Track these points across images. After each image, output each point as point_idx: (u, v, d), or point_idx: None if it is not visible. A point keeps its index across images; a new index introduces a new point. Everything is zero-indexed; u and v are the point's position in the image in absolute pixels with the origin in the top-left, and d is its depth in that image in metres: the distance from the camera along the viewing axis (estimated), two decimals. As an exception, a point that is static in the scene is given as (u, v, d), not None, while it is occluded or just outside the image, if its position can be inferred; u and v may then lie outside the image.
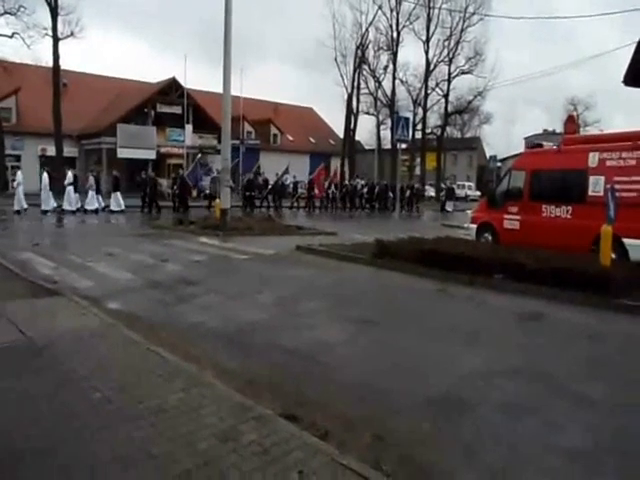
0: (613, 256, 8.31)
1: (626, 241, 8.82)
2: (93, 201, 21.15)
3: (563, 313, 6.97)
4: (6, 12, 28.49)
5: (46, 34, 29.61)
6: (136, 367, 4.15)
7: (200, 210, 21.78)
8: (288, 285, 8.27)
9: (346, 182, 30.69)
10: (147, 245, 12.13)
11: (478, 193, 46.63)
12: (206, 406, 3.45)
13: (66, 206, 20.30)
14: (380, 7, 42.55)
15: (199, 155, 29.26)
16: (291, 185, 29.62)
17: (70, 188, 20.48)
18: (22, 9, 28.76)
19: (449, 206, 31.79)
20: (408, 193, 30.69)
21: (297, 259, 10.84)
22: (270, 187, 27.05)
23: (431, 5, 42.30)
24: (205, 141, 35.85)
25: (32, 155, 31.65)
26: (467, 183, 56.29)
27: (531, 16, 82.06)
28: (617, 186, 8.69)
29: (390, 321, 6.35)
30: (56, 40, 29.75)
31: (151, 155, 32.64)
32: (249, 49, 79.81)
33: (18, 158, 31.20)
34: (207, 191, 26.92)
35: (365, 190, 29.98)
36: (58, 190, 20.66)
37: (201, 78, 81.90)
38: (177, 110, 34.32)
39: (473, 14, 42.00)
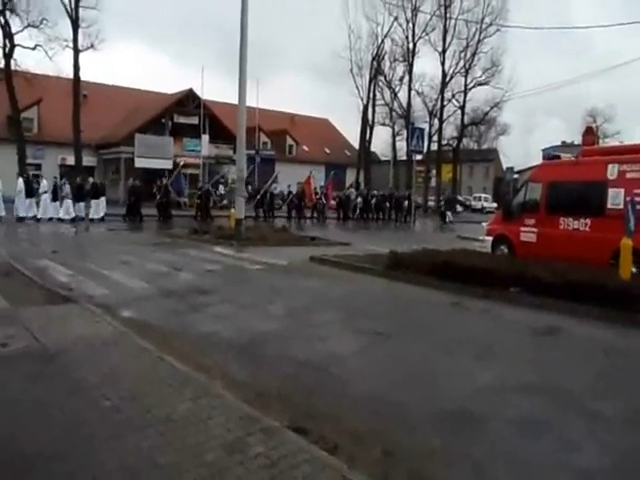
0: (634, 270, 8.14)
1: (646, 255, 8.62)
2: (68, 209, 20.64)
3: (580, 328, 6.83)
4: (30, 25, 29.17)
5: (67, 46, 30.26)
6: (147, 376, 4.16)
7: (186, 220, 21.79)
8: (301, 296, 8.25)
9: (339, 193, 29.60)
10: (161, 254, 12.23)
11: (494, 205, 46.21)
12: (214, 417, 3.43)
13: (41, 214, 20.06)
14: (396, 18, 42.82)
15: (182, 162, 29.74)
16: (283, 194, 29.04)
17: (45, 196, 20.28)
18: (45, 22, 29.42)
19: (449, 216, 31.42)
20: (406, 204, 30.32)
21: (310, 270, 10.82)
22: (258, 197, 26.23)
23: (447, 16, 42.39)
24: (221, 151, 36.19)
25: (52, 164, 32.25)
26: (483, 195, 55.86)
27: (548, 26, 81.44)
28: (637, 199, 8.54)
29: (403, 334, 6.28)
30: (77, 52, 30.43)
31: (168, 165, 33.03)
32: (265, 60, 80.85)
33: (39, 167, 31.80)
34: (225, 201, 27.31)
35: (359, 200, 29.29)
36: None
37: (218, 89, 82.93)
38: (194, 120, 34.74)
39: (490, 25, 41.98)
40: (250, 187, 26.45)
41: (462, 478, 3.14)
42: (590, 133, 13.81)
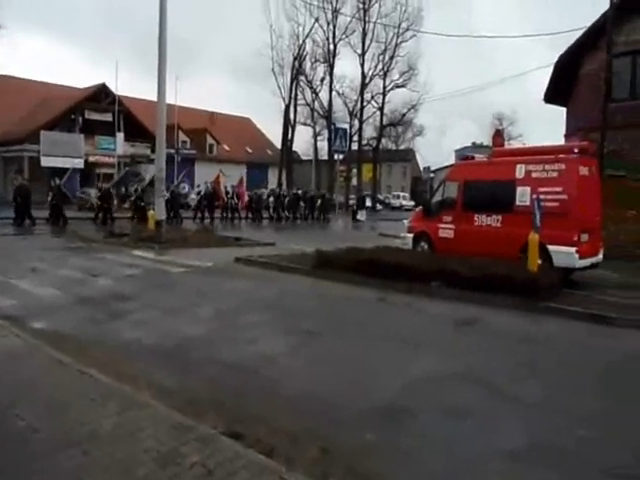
0: (539, 262, 8.79)
1: (550, 248, 9.36)
2: None
3: (496, 317, 7.28)
4: None
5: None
6: (65, 391, 3.87)
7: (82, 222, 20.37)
8: (228, 298, 8.08)
9: (250, 192, 28.15)
10: (75, 259, 11.48)
11: (412, 203, 48.11)
12: (144, 429, 3.26)
13: None
14: (317, 20, 43.32)
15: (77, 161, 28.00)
16: (191, 195, 27.97)
17: None
18: None
19: (361, 215, 32.01)
20: (319, 202, 30.51)
21: (236, 271, 10.65)
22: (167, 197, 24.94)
23: (367, 19, 43.50)
24: (138, 150, 34.67)
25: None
26: (402, 193, 58.04)
27: (460, 34, 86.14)
28: (542, 196, 9.23)
29: (332, 331, 6.35)
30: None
31: (79, 164, 31.10)
32: (186, 57, 78.48)
33: None
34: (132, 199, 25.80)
35: (271, 199, 28.84)
36: None
37: (135, 85, 79.49)
38: (108, 117, 32.95)
39: (407, 30, 43.59)
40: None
41: (395, 470, 3.22)
42: (499, 135, 14.76)
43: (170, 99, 20.31)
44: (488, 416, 4.02)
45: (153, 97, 15.01)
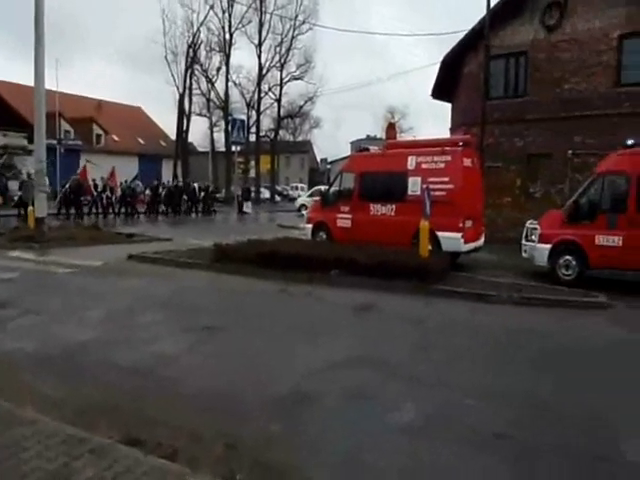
0: (430, 248, 9.36)
1: (439, 234, 10.01)
2: None
3: (391, 301, 7.67)
4: None
5: None
6: None
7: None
8: (121, 298, 7.63)
9: (123, 185, 25.93)
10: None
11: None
12: (29, 448, 2.97)
13: None
14: (212, 7, 41.93)
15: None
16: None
17: None
18: None
19: (247, 207, 31.59)
20: (202, 195, 29.83)
21: (130, 269, 10.09)
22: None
23: (263, 10, 42.96)
24: (11, 140, 31.29)
25: None
26: (300, 184, 58.65)
27: (353, 29, 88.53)
28: (431, 186, 9.81)
29: (233, 325, 6.27)
30: None
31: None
32: (69, 42, 72.09)
33: None
34: (15, 197, 23.24)
35: (147, 192, 27.35)
36: None
37: (8, 69, 71.53)
38: (-28, 103, 29.43)
39: (303, 23, 43.68)
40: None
41: (303, 458, 3.27)
42: (392, 128, 15.47)
43: (50, 85, 18.57)
44: (386, 396, 4.22)
45: (29, 81, 13.62)
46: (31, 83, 13.48)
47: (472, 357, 5.34)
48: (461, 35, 16.53)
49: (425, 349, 5.56)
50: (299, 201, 33.05)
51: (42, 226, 13.28)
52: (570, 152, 14.26)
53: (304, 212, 29.90)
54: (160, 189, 27.75)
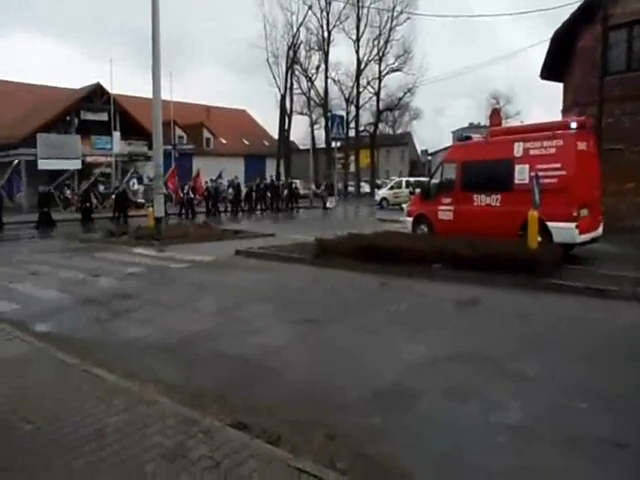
0: (539, 239, 8.77)
1: (550, 224, 9.34)
2: None
3: (497, 296, 7.29)
4: None
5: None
6: (71, 392, 3.90)
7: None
8: (229, 291, 8.10)
9: (208, 184, 26.93)
10: (76, 260, 11.51)
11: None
12: (150, 425, 3.29)
13: None
14: (310, 7, 42.98)
15: (15, 161, 27.93)
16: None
17: None
18: None
19: (330, 202, 31.36)
20: (286, 192, 30.07)
21: (237, 264, 10.66)
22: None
23: (360, 5, 43.07)
24: (135, 148, 34.48)
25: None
26: (396, 178, 57.72)
27: (453, 14, 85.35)
28: (540, 173, 9.19)
29: (335, 319, 6.36)
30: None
31: (76, 165, 31.02)
32: (179, 52, 77.85)
33: None
34: (140, 200, 25.60)
35: (230, 191, 27.69)
36: None
37: (129, 83, 78.83)
38: (103, 117, 32.74)
39: (401, 13, 43.17)
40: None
41: (403, 451, 3.25)
42: (496, 114, 14.63)
43: (165, 95, 20.13)
44: (491, 393, 4.04)
45: (148, 94, 14.97)
46: (149, 95, 14.78)
47: (586, 357, 4.91)
48: (572, 9, 15.22)
49: (533, 346, 5.22)
50: (380, 194, 32.62)
51: (160, 225, 14.49)
52: None
53: (382, 205, 29.45)
54: (253, 188, 28.60)
